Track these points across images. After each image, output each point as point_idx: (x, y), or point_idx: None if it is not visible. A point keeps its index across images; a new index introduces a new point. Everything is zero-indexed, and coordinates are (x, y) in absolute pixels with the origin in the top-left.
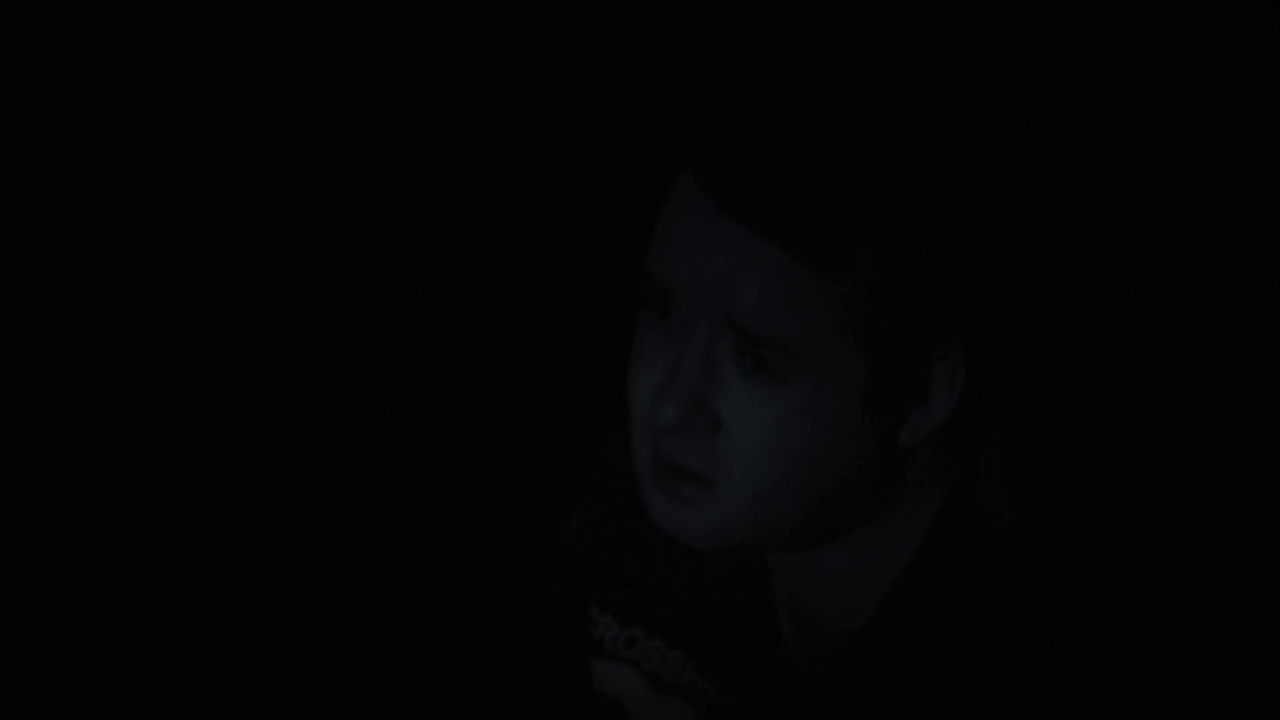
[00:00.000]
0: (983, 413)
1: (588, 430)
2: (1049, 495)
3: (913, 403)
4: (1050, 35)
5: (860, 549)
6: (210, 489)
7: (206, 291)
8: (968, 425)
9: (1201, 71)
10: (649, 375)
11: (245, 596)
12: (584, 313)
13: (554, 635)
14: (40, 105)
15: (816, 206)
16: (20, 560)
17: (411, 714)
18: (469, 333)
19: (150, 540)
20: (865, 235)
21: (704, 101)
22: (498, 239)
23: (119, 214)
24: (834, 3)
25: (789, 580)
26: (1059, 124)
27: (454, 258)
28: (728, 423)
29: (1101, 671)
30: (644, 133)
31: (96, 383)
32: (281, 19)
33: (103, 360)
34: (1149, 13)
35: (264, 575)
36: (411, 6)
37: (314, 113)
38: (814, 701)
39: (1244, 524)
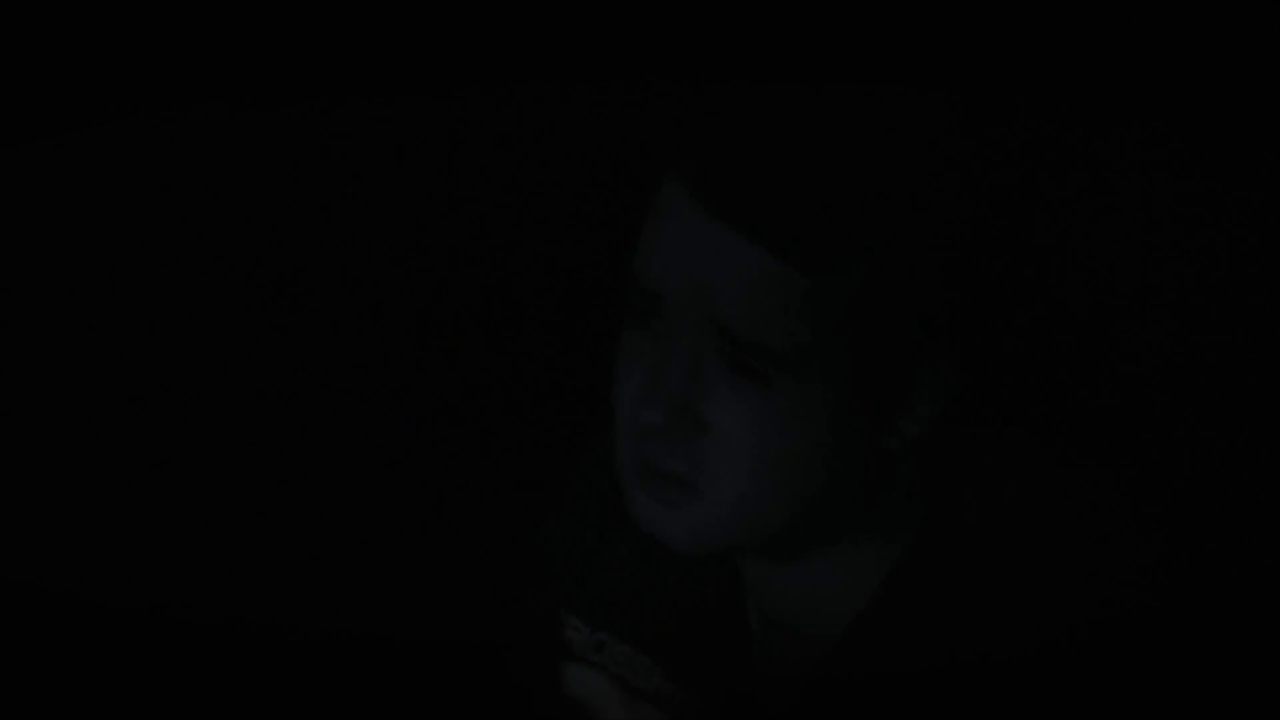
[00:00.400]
0: (966, 423)
1: (573, 435)
2: (1030, 509)
3: (897, 408)
4: (1039, 37)
5: (835, 563)
6: (208, 489)
7: (204, 292)
8: (950, 436)
9: (1195, 72)
10: (633, 379)
11: (238, 597)
12: (573, 319)
13: (528, 639)
14: (40, 105)
15: (802, 209)
16: (20, 560)
17: (401, 714)
18: (458, 338)
19: (150, 540)
20: (851, 239)
21: (691, 107)
22: (483, 243)
23: (118, 214)
24: (824, 6)
25: (761, 591)
26: (1047, 129)
27: (444, 263)
28: (713, 426)
29: (1082, 684)
30: (637, 134)
31: (96, 382)
32: (281, 19)
33: (102, 360)
34: (1142, 13)
35: (261, 575)
36: (412, 6)
37: (314, 113)
38: (782, 712)
39: (1230, 528)
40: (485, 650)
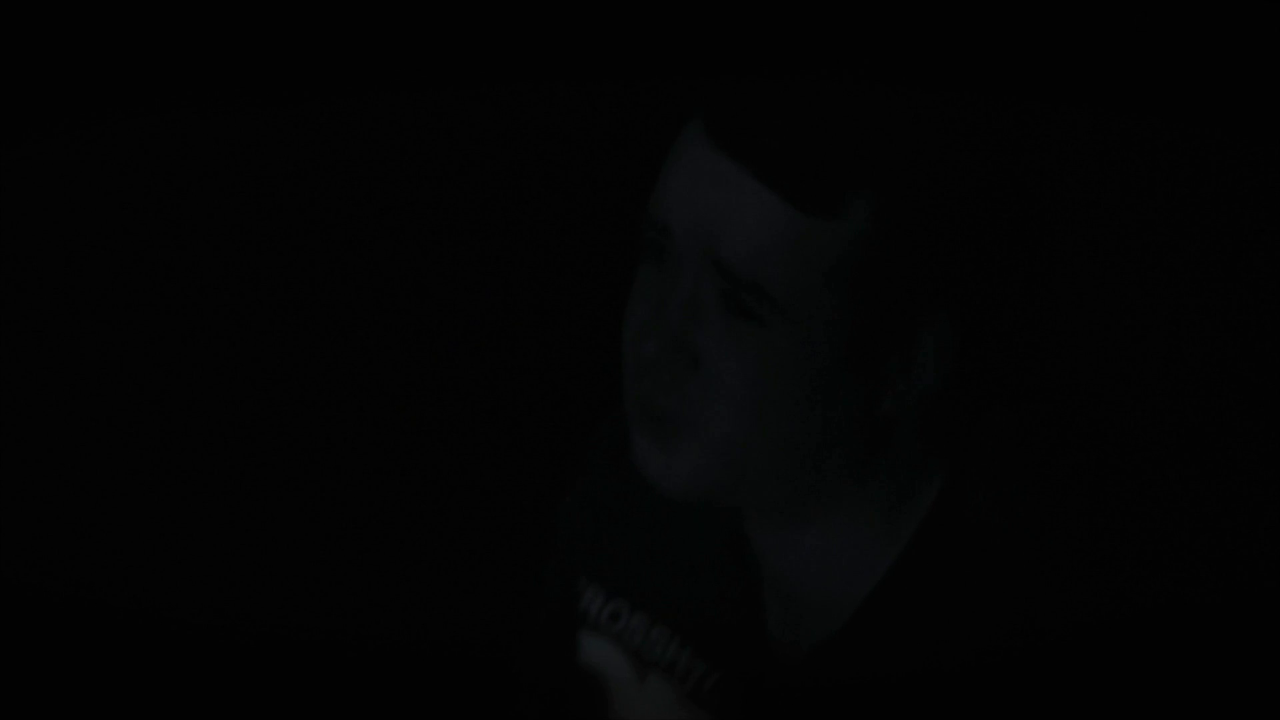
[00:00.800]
0: (973, 400)
1: (577, 430)
2: (1037, 494)
3: (896, 370)
4: (1050, 32)
5: (845, 531)
6: (209, 489)
7: (204, 291)
8: (959, 413)
9: (1195, 72)
10: (639, 314)
11: (240, 597)
12: (579, 314)
13: (540, 621)
14: (41, 105)
15: (813, 154)
16: (21, 560)
17: (405, 714)
18: (462, 334)
19: (150, 540)
20: (859, 188)
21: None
22: (487, 238)
23: (118, 213)
24: (829, 6)
25: (774, 561)
26: (1057, 120)
27: (441, 260)
28: (704, 363)
29: (1086, 674)
30: (642, 133)
31: (96, 382)
32: (281, 19)
33: (101, 360)
34: (1146, 9)
35: (262, 575)
36: (412, 6)
37: (314, 113)
38: (796, 687)
39: (1235, 524)
40: (486, 651)
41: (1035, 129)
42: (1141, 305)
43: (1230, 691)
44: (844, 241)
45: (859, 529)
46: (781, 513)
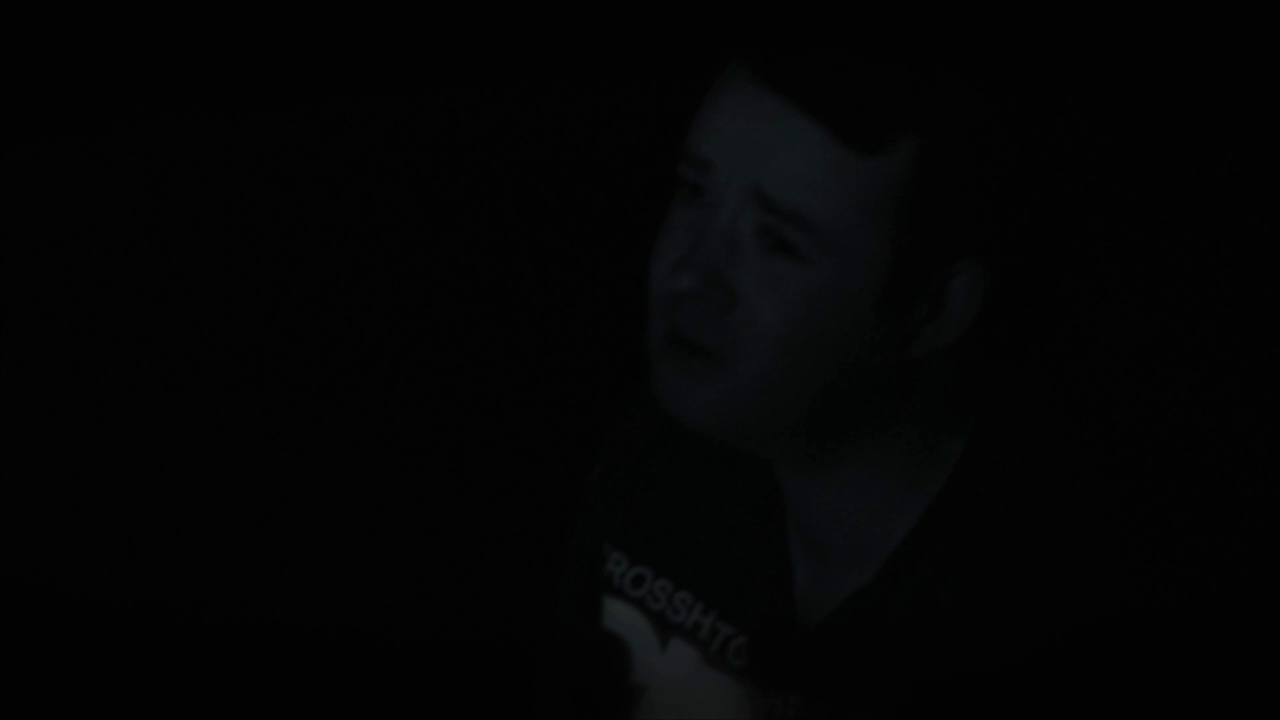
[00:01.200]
0: (1001, 354)
1: (589, 427)
2: (1066, 448)
3: (926, 314)
4: (1050, 32)
5: (875, 480)
6: (210, 489)
7: (205, 291)
8: (986, 366)
9: (1194, 72)
10: (672, 250)
11: (245, 596)
12: (589, 313)
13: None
14: (41, 105)
15: (861, 90)
16: (21, 560)
17: (411, 714)
18: (470, 332)
19: (150, 540)
20: (904, 127)
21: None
22: (495, 233)
23: (118, 213)
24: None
25: (804, 512)
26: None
27: (451, 256)
28: (742, 297)
29: (1119, 635)
30: (643, 133)
31: (97, 382)
32: (281, 19)
33: (102, 360)
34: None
35: (264, 575)
36: (412, 6)
37: (313, 113)
38: (819, 646)
39: (1250, 519)
40: (488, 650)
41: (1035, 129)
42: (1155, 293)
43: (1244, 689)
44: (886, 181)
45: (889, 478)
46: (813, 460)
